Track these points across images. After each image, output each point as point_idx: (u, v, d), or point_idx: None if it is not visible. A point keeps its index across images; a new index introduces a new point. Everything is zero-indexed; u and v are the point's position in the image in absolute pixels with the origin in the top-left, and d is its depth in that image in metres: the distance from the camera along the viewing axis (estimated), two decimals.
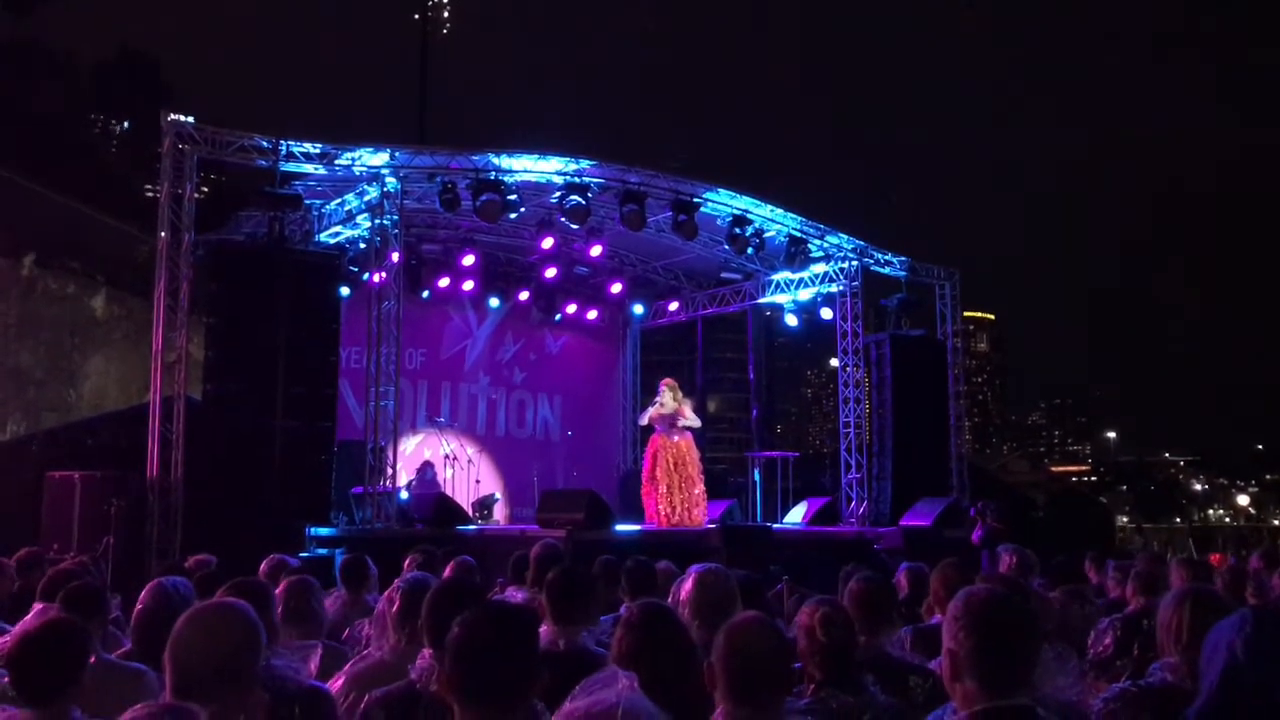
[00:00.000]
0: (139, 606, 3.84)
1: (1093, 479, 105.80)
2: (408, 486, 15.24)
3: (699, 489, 13.74)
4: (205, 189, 17.69)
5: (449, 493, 15.02)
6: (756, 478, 16.98)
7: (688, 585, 3.56)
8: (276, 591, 4.06)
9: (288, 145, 12.71)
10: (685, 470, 13.65)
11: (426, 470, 15.90)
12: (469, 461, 16.45)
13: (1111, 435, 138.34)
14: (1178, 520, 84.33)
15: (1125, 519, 68.71)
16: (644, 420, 13.97)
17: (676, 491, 13.52)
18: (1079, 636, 4.84)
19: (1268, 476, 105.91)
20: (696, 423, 13.99)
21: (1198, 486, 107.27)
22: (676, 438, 13.67)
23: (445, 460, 16.23)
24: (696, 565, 3.69)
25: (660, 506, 13.40)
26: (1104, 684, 3.66)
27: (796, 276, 17.50)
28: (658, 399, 13.74)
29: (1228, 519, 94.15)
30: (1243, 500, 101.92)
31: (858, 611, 3.45)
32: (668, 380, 13.96)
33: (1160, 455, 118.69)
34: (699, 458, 13.90)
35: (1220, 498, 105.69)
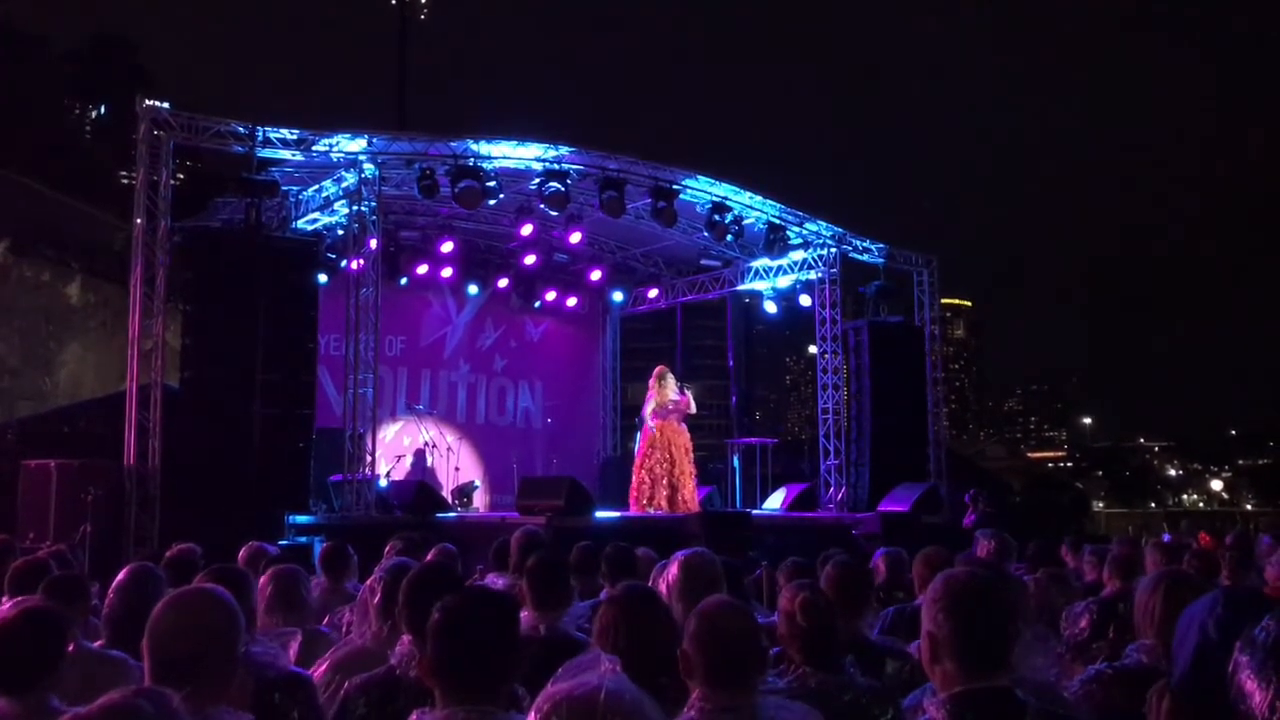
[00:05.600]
0: (115, 593, 3.82)
1: (1069, 465, 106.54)
2: (387, 474, 15.22)
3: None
4: (181, 175, 17.54)
5: (429, 480, 15.01)
6: (735, 464, 17.01)
7: (673, 570, 3.57)
8: (261, 579, 4.05)
9: (265, 131, 12.61)
10: (691, 456, 13.82)
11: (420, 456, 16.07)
12: (449, 449, 16.44)
13: (1087, 421, 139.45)
14: (1153, 505, 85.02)
15: (1101, 504, 69.22)
16: (652, 405, 13.80)
17: (688, 479, 13.63)
18: (1057, 620, 4.89)
19: (1241, 462, 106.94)
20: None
21: (1172, 472, 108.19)
22: (682, 424, 13.81)
23: (425, 448, 16.21)
24: (682, 550, 3.71)
25: (658, 495, 13.45)
26: (1080, 666, 3.70)
27: (775, 263, 17.53)
28: (672, 385, 13.73)
29: (1201, 504, 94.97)
30: (1216, 485, 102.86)
31: (834, 595, 3.47)
32: (665, 367, 14.07)
33: (1135, 440, 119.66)
34: None
35: (1194, 483, 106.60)
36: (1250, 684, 1.65)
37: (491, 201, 13.99)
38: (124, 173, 28.93)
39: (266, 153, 12.70)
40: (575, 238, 16.01)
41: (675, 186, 14.81)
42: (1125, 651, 3.12)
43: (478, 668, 2.18)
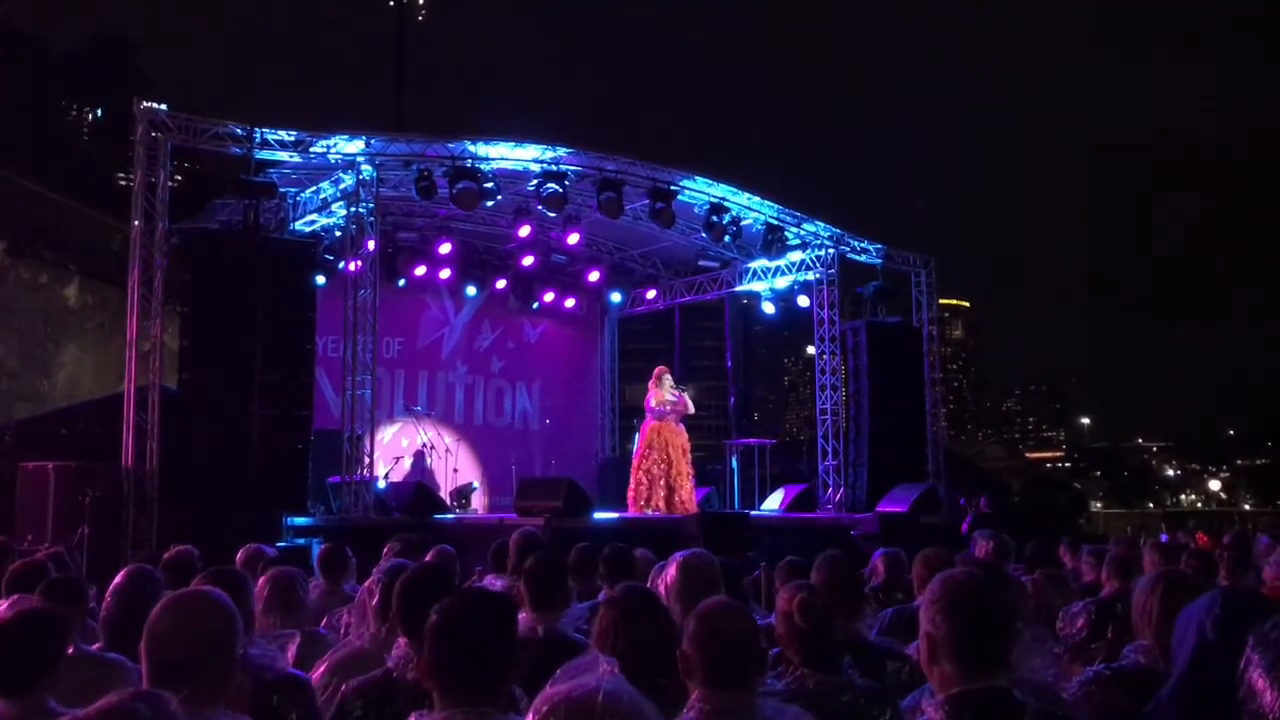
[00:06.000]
0: (112, 595, 3.81)
1: (1067, 465, 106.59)
2: (385, 476, 15.22)
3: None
4: (179, 177, 17.54)
5: (427, 481, 15.01)
6: (734, 465, 17.01)
7: (671, 571, 3.57)
8: (259, 581, 4.04)
9: (262, 133, 12.61)
10: (688, 457, 13.83)
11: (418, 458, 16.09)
12: (447, 450, 16.43)
13: (1085, 421, 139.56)
14: (1151, 506, 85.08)
15: (1099, 504, 69.31)
16: (653, 402, 13.87)
17: (686, 480, 13.62)
18: (1055, 621, 4.88)
19: (1239, 462, 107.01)
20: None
21: (1170, 472, 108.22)
22: (680, 425, 13.81)
23: (424, 449, 16.21)
24: (680, 551, 3.71)
25: (656, 496, 13.45)
26: (1079, 667, 3.70)
27: (773, 264, 17.52)
28: (668, 386, 13.75)
29: (1199, 504, 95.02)
30: (1214, 485, 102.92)
31: (828, 594, 3.47)
32: (665, 369, 14.08)
33: (1134, 441, 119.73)
34: None
35: (1193, 483, 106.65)
36: (1261, 682, 1.65)
37: (489, 203, 13.98)
38: (122, 174, 28.92)
39: (264, 154, 12.69)
40: (573, 239, 16.00)
41: (673, 187, 14.80)
42: (1123, 652, 3.12)
43: (476, 669, 2.18)
